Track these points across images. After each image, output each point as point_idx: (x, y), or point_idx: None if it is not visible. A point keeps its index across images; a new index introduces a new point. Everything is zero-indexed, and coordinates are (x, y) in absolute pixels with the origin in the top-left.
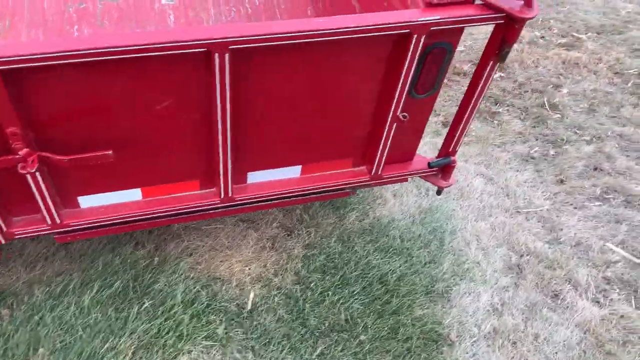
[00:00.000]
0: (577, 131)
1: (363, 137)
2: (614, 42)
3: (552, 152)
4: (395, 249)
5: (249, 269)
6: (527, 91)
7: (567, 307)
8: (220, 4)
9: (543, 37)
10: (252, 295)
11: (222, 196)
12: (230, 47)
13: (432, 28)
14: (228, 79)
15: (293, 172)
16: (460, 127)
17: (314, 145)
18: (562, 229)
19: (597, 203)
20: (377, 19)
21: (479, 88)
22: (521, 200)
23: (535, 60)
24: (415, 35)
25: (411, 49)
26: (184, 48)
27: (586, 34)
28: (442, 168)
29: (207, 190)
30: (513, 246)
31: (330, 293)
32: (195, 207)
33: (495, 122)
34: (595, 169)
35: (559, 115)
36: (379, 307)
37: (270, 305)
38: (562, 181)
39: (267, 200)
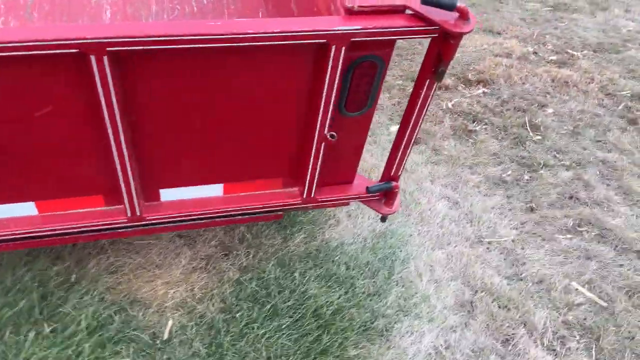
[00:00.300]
0: (557, 155)
1: (291, 157)
2: (610, 62)
3: (526, 176)
4: (337, 278)
5: (175, 292)
6: (510, 109)
7: (518, 354)
8: (164, 0)
9: (535, 52)
10: (170, 323)
11: (129, 214)
12: (108, 48)
13: (353, 39)
14: (112, 84)
15: (214, 190)
16: (400, 153)
17: (235, 162)
18: (524, 263)
19: (568, 236)
20: (288, 26)
21: (417, 110)
22: (485, 228)
23: (523, 77)
24: (334, 46)
25: (331, 61)
26: (51, 48)
27: (582, 51)
28: (385, 193)
29: (112, 207)
30: (468, 280)
31: (256, 325)
32: (101, 225)
33: (471, 141)
34: (571, 197)
35: (539, 137)
36: (308, 344)
37: (188, 336)
38: (532, 209)
39: (186, 221)
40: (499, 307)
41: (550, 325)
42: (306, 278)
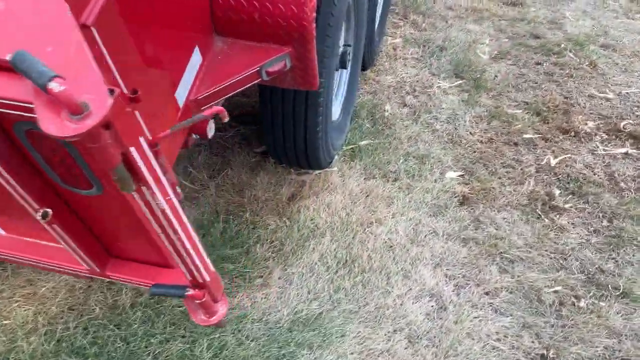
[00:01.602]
0: None
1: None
2: None
3: (581, 303)
4: None
5: (24, 310)
6: None
7: None
8: None
9: None
10: None
11: None
12: None
13: None
14: None
15: None
16: (180, 262)
17: None
18: None
19: None
20: None
21: (154, 225)
22: None
23: None
24: None
25: None
26: None
27: None
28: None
29: None
30: None
31: None
32: None
33: (545, 222)
34: None
35: None
36: None
37: None
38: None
39: None
40: None
41: None
42: (153, 353)
